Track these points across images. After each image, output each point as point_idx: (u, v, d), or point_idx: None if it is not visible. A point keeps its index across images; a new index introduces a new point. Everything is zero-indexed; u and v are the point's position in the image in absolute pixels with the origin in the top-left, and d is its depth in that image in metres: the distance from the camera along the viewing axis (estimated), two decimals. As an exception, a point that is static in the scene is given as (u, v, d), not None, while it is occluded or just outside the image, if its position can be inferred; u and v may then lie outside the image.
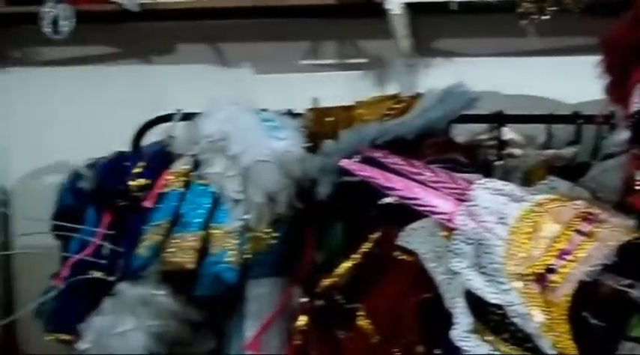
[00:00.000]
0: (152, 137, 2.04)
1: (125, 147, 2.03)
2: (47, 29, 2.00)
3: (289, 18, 2.24)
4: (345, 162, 1.33)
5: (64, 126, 2.35)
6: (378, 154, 1.38)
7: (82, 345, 1.79)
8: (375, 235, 1.61)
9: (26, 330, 2.38)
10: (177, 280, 1.78)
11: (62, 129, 2.35)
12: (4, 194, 2.40)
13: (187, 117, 1.94)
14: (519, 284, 1.15)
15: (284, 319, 1.77)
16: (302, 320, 1.69)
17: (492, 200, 1.23)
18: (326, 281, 1.64)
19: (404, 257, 1.48)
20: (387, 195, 1.43)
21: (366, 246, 1.62)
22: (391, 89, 2.09)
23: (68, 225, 1.89)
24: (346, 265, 1.63)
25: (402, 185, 1.26)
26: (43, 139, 2.37)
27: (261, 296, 1.79)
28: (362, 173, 1.29)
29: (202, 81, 2.27)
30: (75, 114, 2.35)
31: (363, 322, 1.52)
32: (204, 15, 2.22)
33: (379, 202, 1.55)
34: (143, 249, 1.79)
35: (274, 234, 1.79)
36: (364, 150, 1.55)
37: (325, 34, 2.27)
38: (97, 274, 1.83)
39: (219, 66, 2.31)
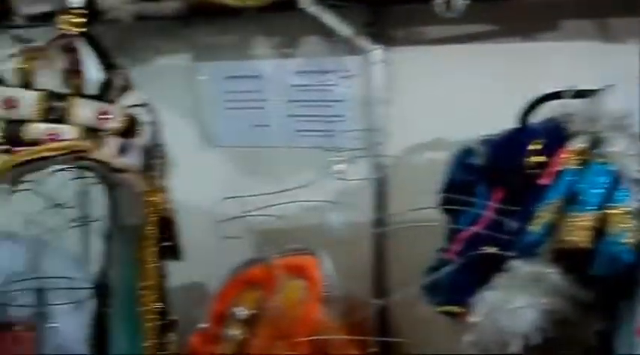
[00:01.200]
0: (538, 114, 2.03)
1: (502, 124, 2.04)
2: (440, 8, 2.03)
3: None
4: None
5: (443, 103, 2.39)
6: None
7: (473, 318, 1.84)
8: None
9: (398, 304, 2.46)
10: (570, 259, 1.76)
11: (441, 105, 2.39)
12: (382, 171, 2.47)
13: (578, 94, 1.91)
14: None
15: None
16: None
17: None
18: None
19: None
20: None
21: None
22: None
23: (460, 198, 1.92)
24: None
25: None
26: (420, 116, 2.42)
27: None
28: None
29: (585, 57, 2.21)
30: (454, 91, 2.37)
31: None
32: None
33: None
34: (537, 227, 1.78)
35: (674, 216, 1.72)
36: None
37: None
38: (491, 249, 1.85)
39: (603, 42, 2.23)
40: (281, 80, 2.62)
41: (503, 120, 2.05)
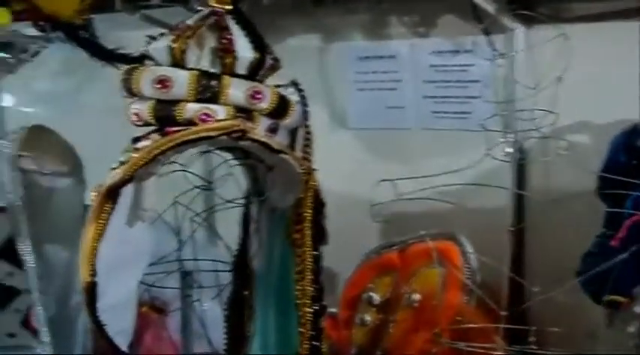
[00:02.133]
0: None
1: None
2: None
3: None
4: None
5: (589, 84, 2.29)
6: None
7: (637, 308, 1.76)
8: None
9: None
10: None
11: (586, 87, 2.29)
12: (522, 153, 2.39)
13: None
14: None
15: None
16: None
17: None
18: None
19: None
20: None
21: None
22: None
23: (625, 181, 1.84)
24: None
25: None
26: (564, 97, 2.32)
27: None
28: None
29: None
30: (600, 72, 2.29)
31: None
32: None
33: None
34: None
35: None
36: None
37: None
38: (660, 237, 1.77)
39: None
40: (417, 60, 2.56)
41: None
